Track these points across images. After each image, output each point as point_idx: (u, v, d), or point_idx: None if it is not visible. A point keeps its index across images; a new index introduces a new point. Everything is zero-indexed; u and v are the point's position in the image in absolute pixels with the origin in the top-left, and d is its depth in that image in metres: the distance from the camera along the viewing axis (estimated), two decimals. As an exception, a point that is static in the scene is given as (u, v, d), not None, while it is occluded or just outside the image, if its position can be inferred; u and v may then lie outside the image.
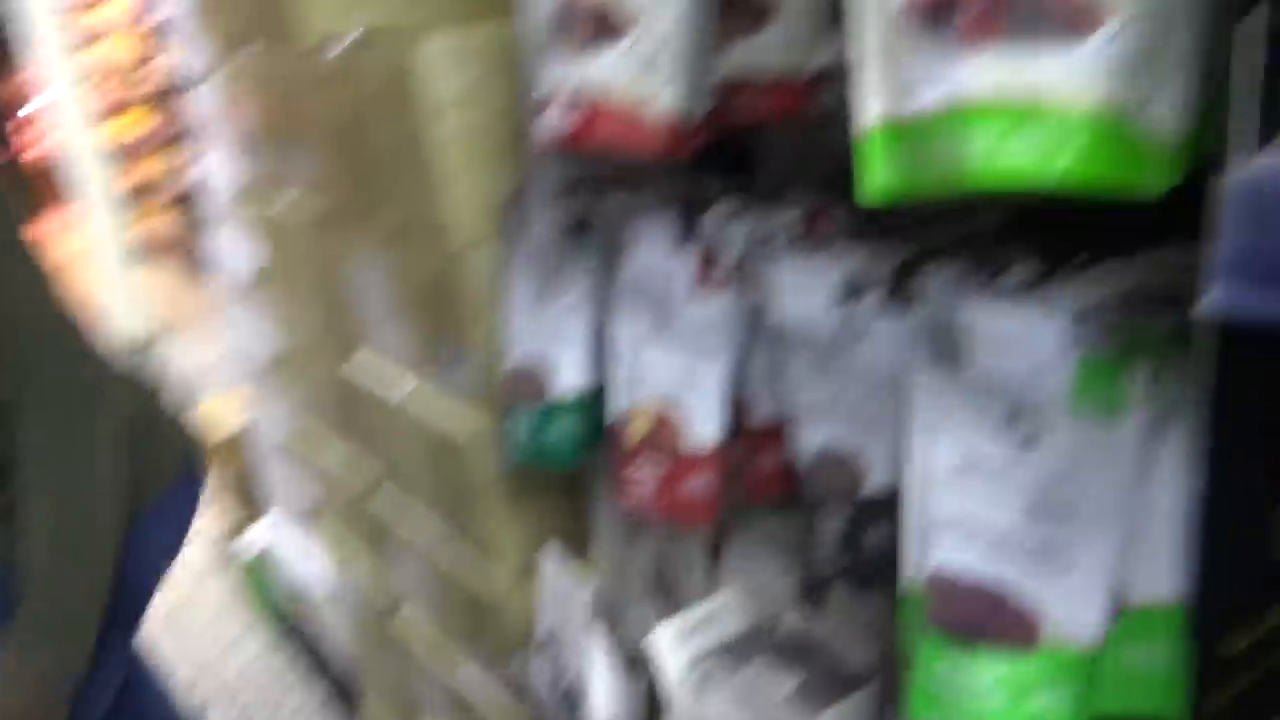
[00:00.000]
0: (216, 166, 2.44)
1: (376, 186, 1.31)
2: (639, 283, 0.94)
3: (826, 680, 0.95)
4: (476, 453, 1.26)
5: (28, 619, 1.09)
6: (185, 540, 1.41)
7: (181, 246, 7.08)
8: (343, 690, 2.41)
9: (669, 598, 1.19)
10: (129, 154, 6.57)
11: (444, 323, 1.25)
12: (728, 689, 0.99)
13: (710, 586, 1.14)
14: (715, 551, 1.13)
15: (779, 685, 0.96)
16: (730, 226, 0.91)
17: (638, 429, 0.95)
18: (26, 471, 1.08)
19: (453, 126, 1.11)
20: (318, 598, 2.39)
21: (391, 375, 1.47)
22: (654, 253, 0.92)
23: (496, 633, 1.38)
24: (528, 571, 1.32)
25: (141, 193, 7.27)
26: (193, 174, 2.90)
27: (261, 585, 2.80)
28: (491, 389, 1.22)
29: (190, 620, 2.96)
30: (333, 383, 1.73)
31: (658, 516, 0.96)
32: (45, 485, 1.09)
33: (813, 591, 1.00)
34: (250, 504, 2.83)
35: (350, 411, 1.69)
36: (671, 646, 1.05)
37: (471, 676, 1.52)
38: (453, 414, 1.31)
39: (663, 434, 0.93)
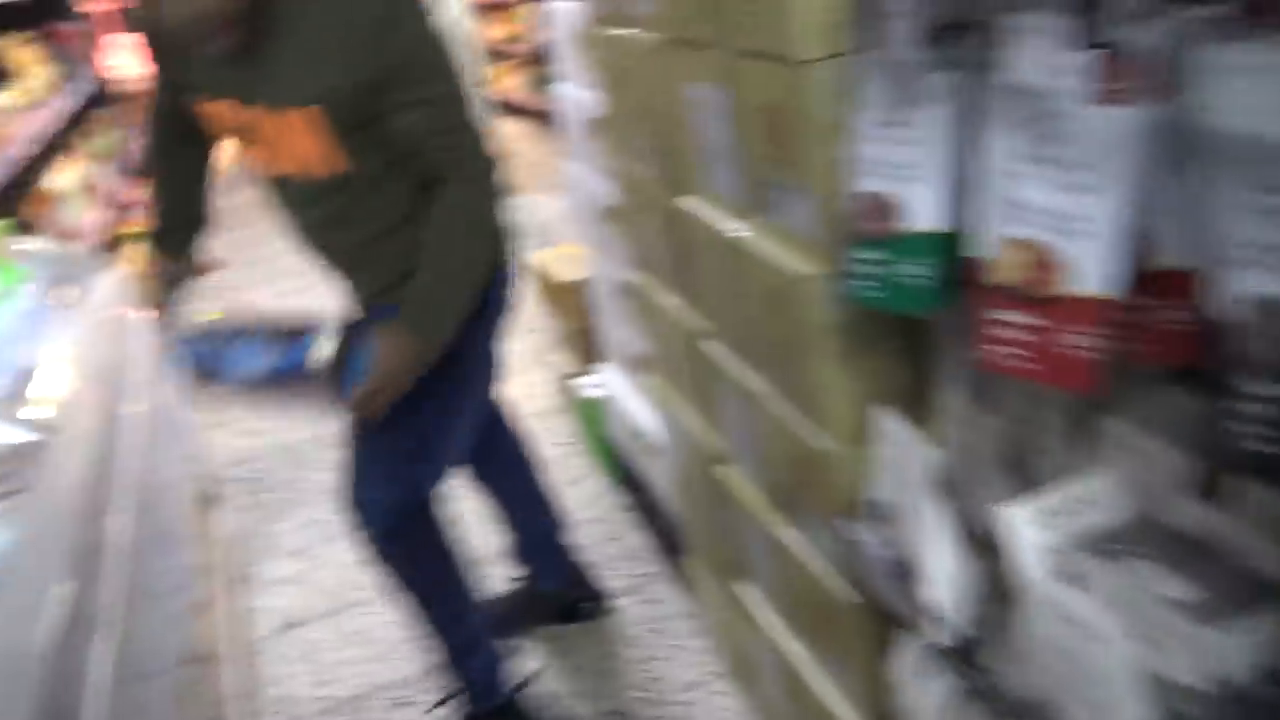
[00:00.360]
0: (562, 19, 2.43)
1: (716, 3, 1.20)
2: (1019, 93, 0.77)
3: (1231, 589, 0.78)
4: (810, 299, 1.16)
5: (414, 309, 1.61)
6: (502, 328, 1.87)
7: (530, 105, 7.38)
8: (670, 539, 2.45)
9: (1023, 475, 1.04)
10: (486, 13, 6.84)
11: (782, 155, 1.14)
12: (1100, 586, 0.84)
13: (1076, 466, 0.98)
14: (1086, 425, 0.96)
15: (1167, 589, 0.80)
16: (1142, 20, 0.72)
17: (1009, 269, 0.79)
18: (442, 218, 1.59)
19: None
20: (647, 446, 2.43)
21: (723, 218, 1.38)
22: (1041, 55, 0.74)
23: (824, 494, 1.29)
24: (860, 432, 1.21)
25: (498, 52, 7.62)
26: (541, 33, 2.94)
27: (597, 430, 2.89)
28: (829, 228, 1.10)
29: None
30: (666, 230, 1.68)
31: (1026, 375, 0.81)
32: (455, 229, 1.61)
33: (1216, 481, 0.82)
34: (589, 351, 2.91)
35: (682, 260, 1.63)
36: (1030, 530, 0.91)
37: (796, 537, 1.45)
38: (785, 257, 1.21)
39: (1041, 276, 0.77)
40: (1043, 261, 0.77)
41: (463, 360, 1.77)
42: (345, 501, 1.85)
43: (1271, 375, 0.64)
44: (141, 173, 1.93)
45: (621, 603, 2.44)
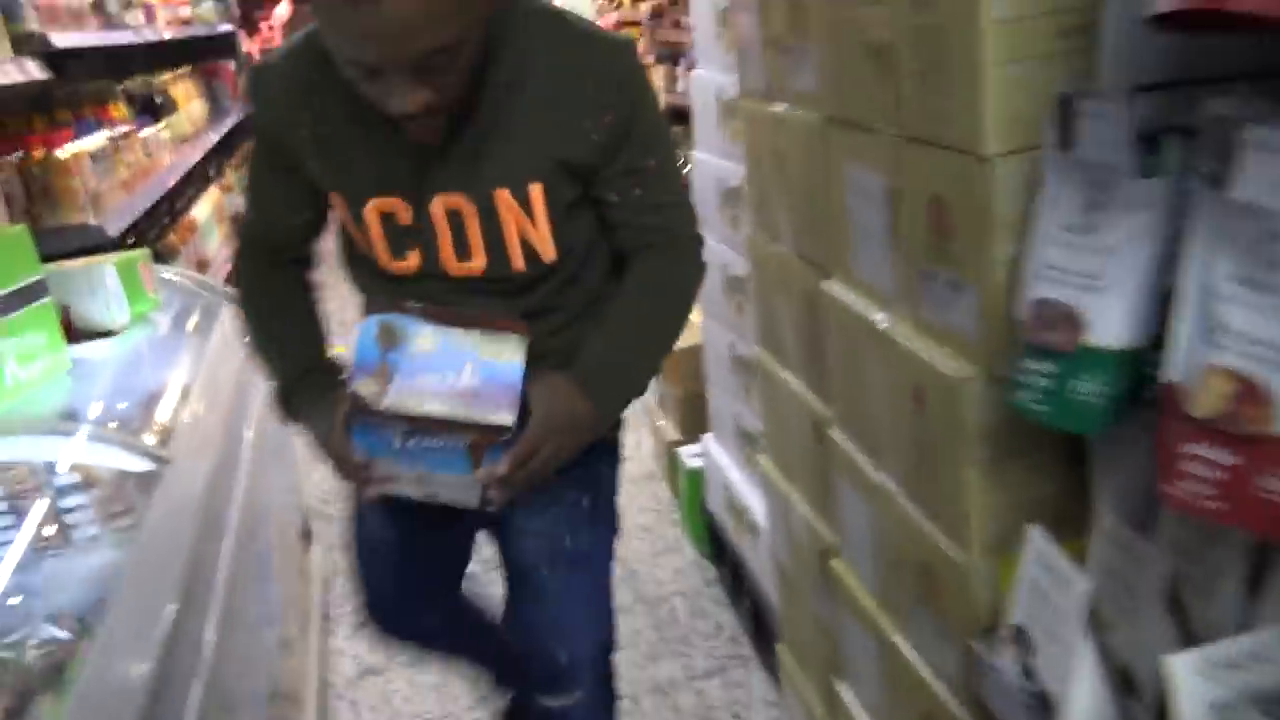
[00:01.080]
0: (702, 87, 2.43)
1: (888, 86, 1.17)
2: (1246, 211, 0.71)
3: None
4: (959, 401, 1.10)
5: (596, 369, 1.36)
6: None
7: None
8: (759, 621, 2.37)
9: (1182, 616, 0.96)
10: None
11: (946, 248, 1.09)
12: None
13: (1240, 620, 0.89)
14: (1265, 572, 0.88)
15: None
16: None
17: (1208, 400, 0.73)
18: (644, 282, 1.40)
19: (999, 9, 0.93)
20: (747, 524, 2.37)
21: (868, 306, 1.33)
22: (1272, 172, 0.69)
23: (952, 607, 1.21)
24: (999, 545, 1.14)
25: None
26: (679, 89, 2.95)
27: (696, 500, 2.84)
28: (989, 329, 1.04)
29: (629, 520, 3.07)
30: (802, 311, 1.64)
31: (1214, 516, 0.74)
32: (656, 298, 1.41)
33: None
34: (696, 420, 2.87)
35: (816, 342, 1.58)
36: (1192, 682, 0.83)
37: (909, 644, 1.37)
38: (936, 354, 1.15)
39: (1245, 411, 0.71)
40: (1249, 395, 0.71)
41: (618, 456, 1.58)
42: (548, 673, 1.57)
43: None
44: (248, 324, 1.53)
45: (703, 684, 2.36)
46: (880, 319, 1.28)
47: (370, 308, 1.32)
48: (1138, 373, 0.86)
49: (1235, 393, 0.71)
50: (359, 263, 1.43)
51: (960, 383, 1.09)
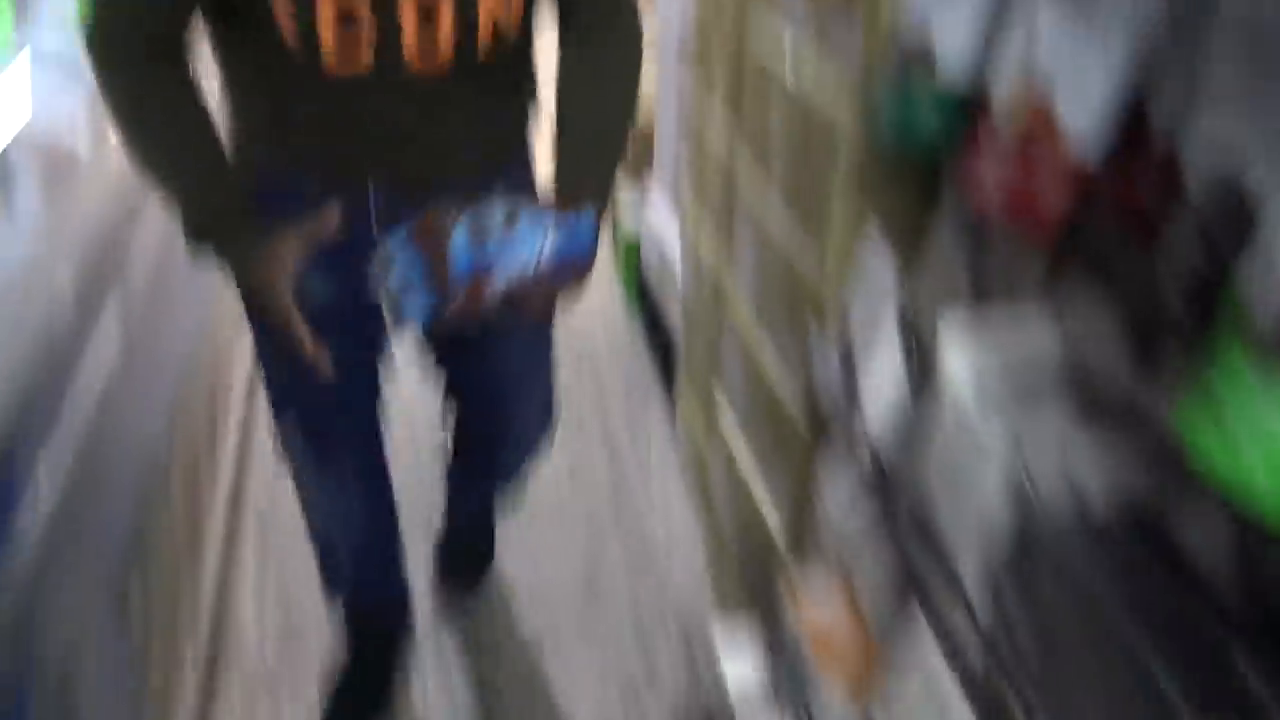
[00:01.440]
0: None
1: None
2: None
3: (1149, 457, 0.80)
4: (838, 126, 1.21)
5: (586, 175, 1.31)
6: None
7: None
8: (670, 370, 2.52)
9: (982, 310, 1.07)
10: None
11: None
12: (1011, 417, 0.84)
13: (1028, 309, 0.99)
14: (1050, 273, 0.98)
15: (1082, 443, 0.83)
16: None
17: (1010, 115, 0.83)
18: (602, 71, 1.34)
19: None
20: (669, 273, 2.48)
21: (778, 55, 1.42)
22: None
23: (809, 311, 1.35)
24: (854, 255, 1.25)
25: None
26: None
27: (634, 273, 2.96)
28: (869, 62, 1.13)
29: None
30: (727, 65, 1.72)
31: (1003, 216, 0.86)
32: (615, 86, 1.35)
33: (1154, 350, 0.85)
34: (646, 193, 2.96)
35: (734, 96, 1.68)
36: (958, 343, 0.91)
37: (770, 350, 1.54)
38: (823, 84, 1.25)
39: (1033, 125, 0.81)
40: (1037, 112, 0.81)
41: None
42: (524, 444, 1.69)
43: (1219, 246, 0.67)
44: (132, 130, 1.21)
45: (615, 431, 2.53)
46: (787, 64, 1.37)
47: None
48: (976, 100, 0.95)
49: (1031, 112, 0.82)
50: (267, 81, 1.22)
51: (840, 113, 1.20)
